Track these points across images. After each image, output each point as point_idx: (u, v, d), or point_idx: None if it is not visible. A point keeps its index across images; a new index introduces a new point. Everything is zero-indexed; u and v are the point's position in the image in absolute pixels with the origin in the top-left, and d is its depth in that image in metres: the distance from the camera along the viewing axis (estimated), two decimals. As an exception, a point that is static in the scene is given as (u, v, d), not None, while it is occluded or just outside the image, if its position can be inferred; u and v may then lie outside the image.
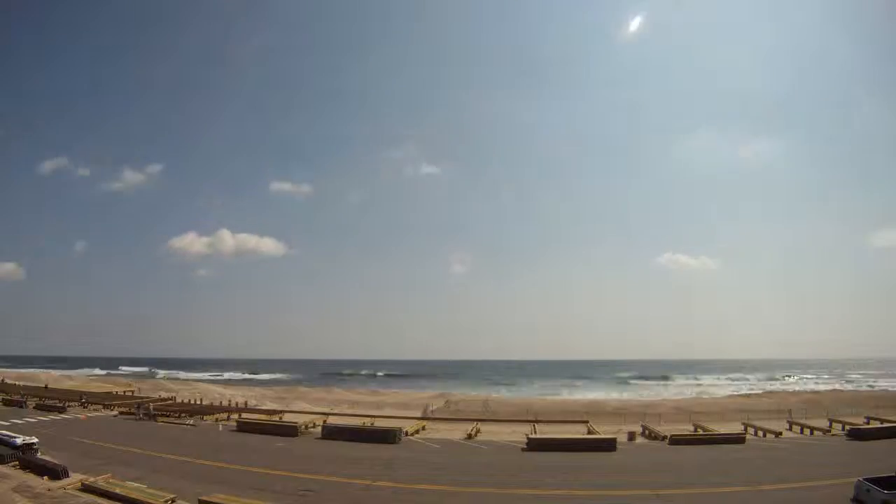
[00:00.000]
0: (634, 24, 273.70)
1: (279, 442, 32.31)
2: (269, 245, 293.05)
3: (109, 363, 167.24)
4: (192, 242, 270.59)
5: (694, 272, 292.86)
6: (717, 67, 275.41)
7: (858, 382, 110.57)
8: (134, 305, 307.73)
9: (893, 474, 18.81)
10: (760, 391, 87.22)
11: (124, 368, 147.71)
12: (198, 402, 53.27)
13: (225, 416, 43.69)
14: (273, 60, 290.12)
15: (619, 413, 50.02)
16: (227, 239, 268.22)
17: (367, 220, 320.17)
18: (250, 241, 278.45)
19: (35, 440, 26.30)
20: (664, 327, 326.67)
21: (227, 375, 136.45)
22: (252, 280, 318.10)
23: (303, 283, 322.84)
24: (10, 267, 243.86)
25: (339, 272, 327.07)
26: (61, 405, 44.97)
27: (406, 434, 34.75)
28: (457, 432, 36.69)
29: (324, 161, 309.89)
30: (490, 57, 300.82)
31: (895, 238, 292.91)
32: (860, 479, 19.03)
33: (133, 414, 42.17)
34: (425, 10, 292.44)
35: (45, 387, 64.31)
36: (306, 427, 36.71)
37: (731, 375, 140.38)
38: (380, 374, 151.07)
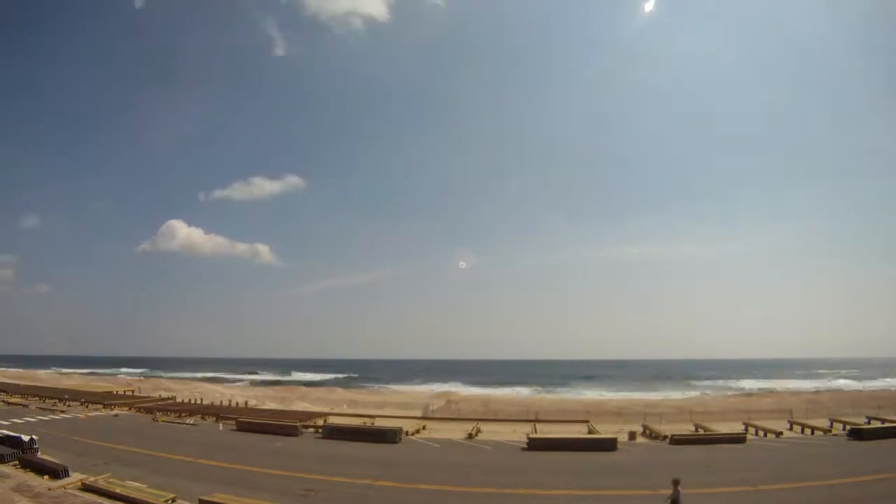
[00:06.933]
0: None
1: (279, 441, 32.30)
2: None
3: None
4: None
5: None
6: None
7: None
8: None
9: None
10: (761, 391, 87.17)
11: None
12: (198, 402, 53.25)
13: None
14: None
15: (619, 413, 49.99)
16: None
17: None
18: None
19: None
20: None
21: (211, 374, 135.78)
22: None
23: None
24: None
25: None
26: (63, 404, 44.97)
27: (406, 434, 34.77)
28: (457, 432, 36.67)
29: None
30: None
31: None
32: None
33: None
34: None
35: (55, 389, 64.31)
36: (306, 426, 36.75)
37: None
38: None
